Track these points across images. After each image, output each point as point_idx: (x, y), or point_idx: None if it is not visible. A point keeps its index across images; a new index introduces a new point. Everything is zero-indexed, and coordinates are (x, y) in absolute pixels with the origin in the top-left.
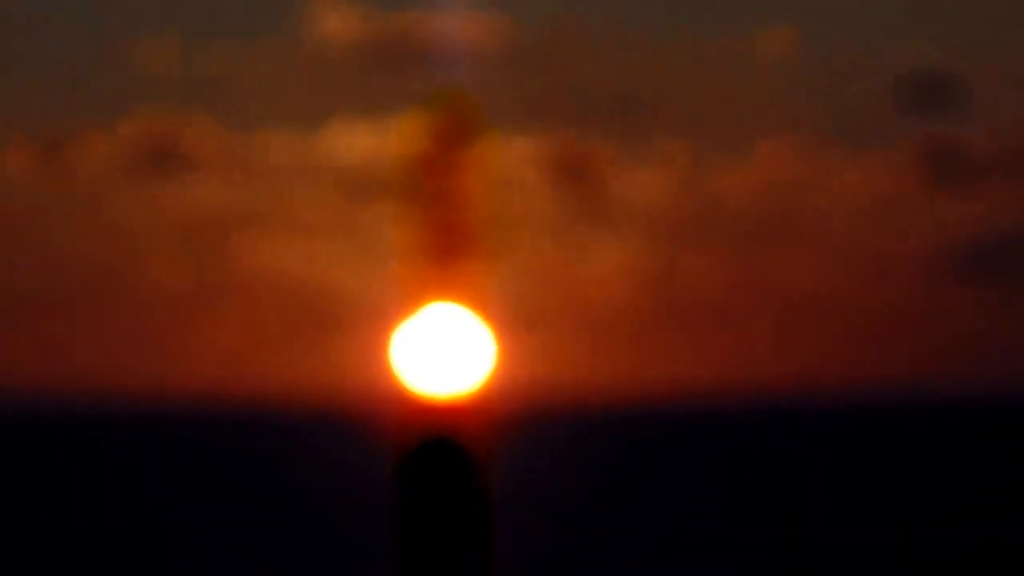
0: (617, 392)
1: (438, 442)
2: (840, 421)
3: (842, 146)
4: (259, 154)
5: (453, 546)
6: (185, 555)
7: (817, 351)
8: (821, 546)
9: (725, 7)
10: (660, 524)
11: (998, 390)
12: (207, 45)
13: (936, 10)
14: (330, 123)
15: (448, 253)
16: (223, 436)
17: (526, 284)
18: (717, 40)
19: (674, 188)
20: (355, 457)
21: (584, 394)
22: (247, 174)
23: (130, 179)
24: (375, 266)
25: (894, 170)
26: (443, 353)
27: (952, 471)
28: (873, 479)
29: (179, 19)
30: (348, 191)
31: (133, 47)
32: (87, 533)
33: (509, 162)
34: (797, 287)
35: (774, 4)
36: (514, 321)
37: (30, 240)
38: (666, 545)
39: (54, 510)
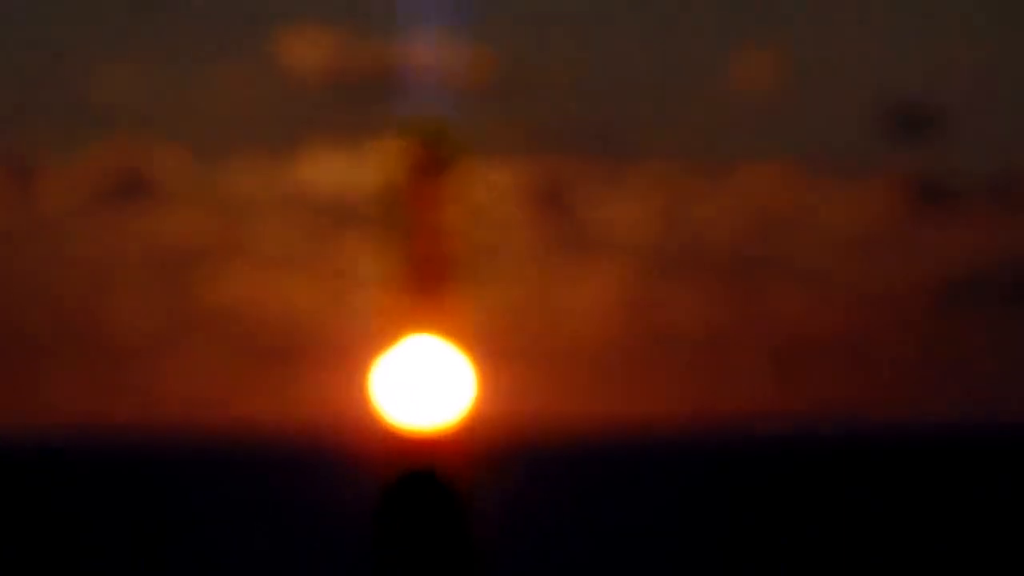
0: (596, 423)
1: (418, 475)
2: (823, 451)
3: (826, 175)
4: (233, 183)
5: None
6: None
7: (799, 381)
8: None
9: (707, 36)
10: (639, 556)
11: (981, 418)
12: (179, 73)
13: (921, 39)
14: (305, 152)
15: (427, 284)
16: (202, 469)
17: (506, 315)
18: (699, 69)
19: (654, 218)
20: (335, 489)
21: (564, 425)
22: (221, 204)
23: (101, 208)
24: (353, 297)
25: (878, 198)
26: (423, 385)
27: (937, 499)
28: (860, 509)
29: (150, 46)
30: (325, 221)
31: (102, 75)
32: (55, 570)
33: (488, 192)
34: (779, 317)
35: (757, 33)
36: (494, 353)
37: None
38: None
39: (18, 547)
